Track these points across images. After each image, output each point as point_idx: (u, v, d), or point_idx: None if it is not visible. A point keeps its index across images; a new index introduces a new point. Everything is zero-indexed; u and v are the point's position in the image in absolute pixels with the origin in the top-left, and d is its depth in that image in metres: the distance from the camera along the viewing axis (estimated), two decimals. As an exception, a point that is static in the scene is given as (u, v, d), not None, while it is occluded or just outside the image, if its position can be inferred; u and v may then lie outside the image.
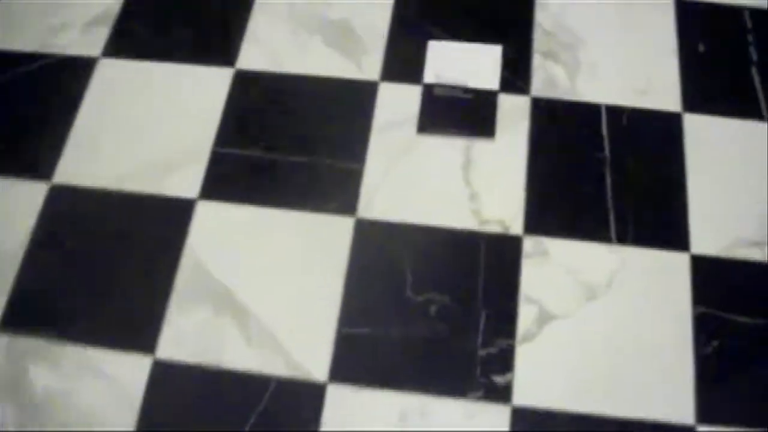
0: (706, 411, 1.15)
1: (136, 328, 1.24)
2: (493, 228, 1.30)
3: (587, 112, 1.40)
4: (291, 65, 1.47)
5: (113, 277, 1.28)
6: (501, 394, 1.17)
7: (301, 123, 1.41)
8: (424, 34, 1.49)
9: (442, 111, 1.40)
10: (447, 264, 1.28)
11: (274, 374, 1.19)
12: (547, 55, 1.46)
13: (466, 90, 1.41)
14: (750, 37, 1.47)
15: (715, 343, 1.21)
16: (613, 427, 1.14)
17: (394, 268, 1.27)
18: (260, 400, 1.18)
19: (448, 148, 1.37)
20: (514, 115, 1.40)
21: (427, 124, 1.39)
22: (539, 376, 1.19)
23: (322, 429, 1.15)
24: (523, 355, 1.20)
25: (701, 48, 1.46)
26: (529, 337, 1.22)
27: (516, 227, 1.30)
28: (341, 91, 1.44)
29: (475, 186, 1.33)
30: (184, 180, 1.36)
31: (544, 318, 1.23)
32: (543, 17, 1.50)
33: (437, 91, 1.42)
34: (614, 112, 1.40)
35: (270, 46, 1.50)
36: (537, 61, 1.46)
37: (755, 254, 1.27)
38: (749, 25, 1.49)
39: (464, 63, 1.44)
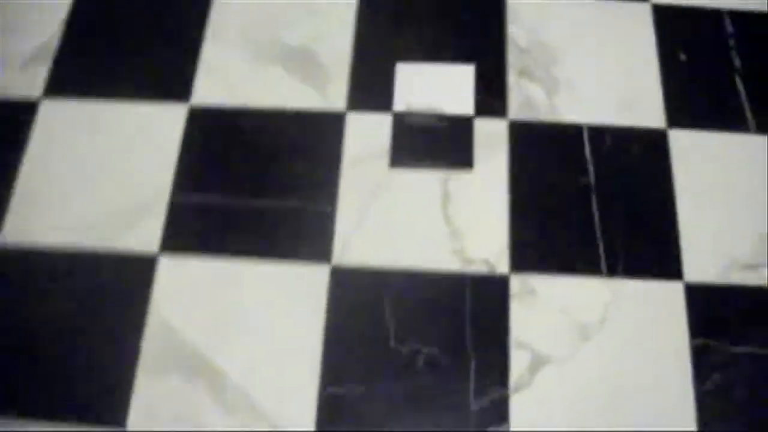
0: (710, 452, 1.11)
1: (103, 401, 1.15)
2: (478, 268, 1.22)
3: (568, 133, 1.33)
4: (250, 97, 1.37)
5: (74, 346, 1.18)
6: (498, 450, 1.11)
7: (265, 162, 1.31)
8: (390, 54, 1.39)
9: (416, 142, 1.31)
10: (431, 310, 1.20)
11: (256, 444, 1.12)
12: (523, 72, 1.38)
13: (440, 117, 1.33)
14: (731, 42, 1.40)
15: (716, 376, 1.16)
16: (616, 478, 1.10)
17: (375, 317, 1.20)
18: (243, 475, 1.10)
19: (424, 183, 1.29)
20: (491, 141, 1.32)
21: (401, 157, 1.30)
22: (536, 425, 1.13)
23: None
24: (518, 405, 1.14)
25: (682, 57, 1.39)
26: (523, 385, 1.15)
27: (502, 266, 1.23)
28: (306, 124, 1.34)
29: (455, 223, 1.26)
30: (143, 233, 1.26)
31: (537, 363, 1.16)
32: (516, 31, 1.42)
33: (409, 120, 1.33)
34: (596, 132, 1.33)
35: (226, 77, 1.39)
36: (512, 79, 1.37)
37: (751, 278, 1.22)
38: (730, 29, 1.42)
39: (436, 86, 1.35)
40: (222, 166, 1.31)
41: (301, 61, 1.39)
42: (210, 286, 1.22)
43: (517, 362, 1.17)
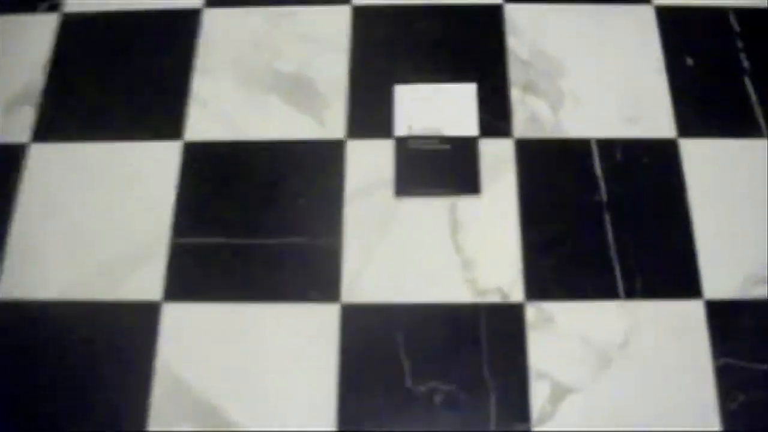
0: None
1: (113, 459, 1.12)
2: (492, 298, 1.19)
3: (577, 149, 1.28)
4: (245, 130, 1.32)
5: (81, 404, 1.15)
6: (524, 490, 1.09)
7: (265, 197, 1.27)
8: (388, 77, 1.34)
9: (420, 168, 1.27)
10: (447, 344, 1.17)
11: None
12: (527, 87, 1.33)
13: (443, 139, 1.28)
14: (739, 43, 1.36)
15: (741, 397, 1.13)
16: None
17: (390, 356, 1.16)
18: None
19: (432, 211, 1.24)
20: (498, 162, 1.28)
21: (405, 185, 1.26)
22: (561, 460, 1.10)
23: None
24: (541, 439, 1.11)
25: (689, 62, 1.34)
26: (546, 417, 1.12)
27: (516, 294, 1.19)
28: (305, 155, 1.30)
29: (466, 252, 1.22)
30: (144, 280, 1.22)
31: (558, 394, 1.13)
32: (517, 45, 1.37)
33: (411, 144, 1.28)
34: (606, 146, 1.28)
35: (219, 109, 1.34)
36: (516, 95, 1.33)
37: (773, 291, 1.18)
38: (737, 28, 1.37)
39: (437, 107, 1.30)
40: (221, 204, 1.27)
41: (296, 89, 1.34)
42: (217, 332, 1.18)
43: (538, 394, 1.13)
